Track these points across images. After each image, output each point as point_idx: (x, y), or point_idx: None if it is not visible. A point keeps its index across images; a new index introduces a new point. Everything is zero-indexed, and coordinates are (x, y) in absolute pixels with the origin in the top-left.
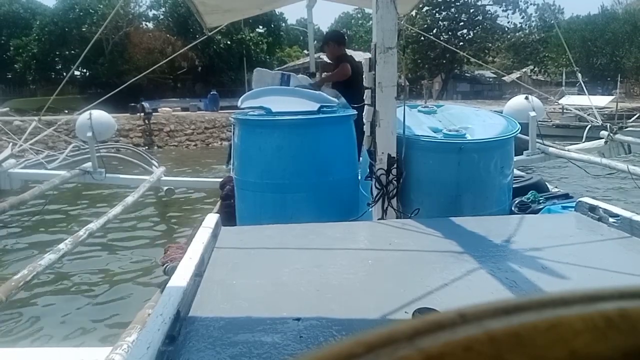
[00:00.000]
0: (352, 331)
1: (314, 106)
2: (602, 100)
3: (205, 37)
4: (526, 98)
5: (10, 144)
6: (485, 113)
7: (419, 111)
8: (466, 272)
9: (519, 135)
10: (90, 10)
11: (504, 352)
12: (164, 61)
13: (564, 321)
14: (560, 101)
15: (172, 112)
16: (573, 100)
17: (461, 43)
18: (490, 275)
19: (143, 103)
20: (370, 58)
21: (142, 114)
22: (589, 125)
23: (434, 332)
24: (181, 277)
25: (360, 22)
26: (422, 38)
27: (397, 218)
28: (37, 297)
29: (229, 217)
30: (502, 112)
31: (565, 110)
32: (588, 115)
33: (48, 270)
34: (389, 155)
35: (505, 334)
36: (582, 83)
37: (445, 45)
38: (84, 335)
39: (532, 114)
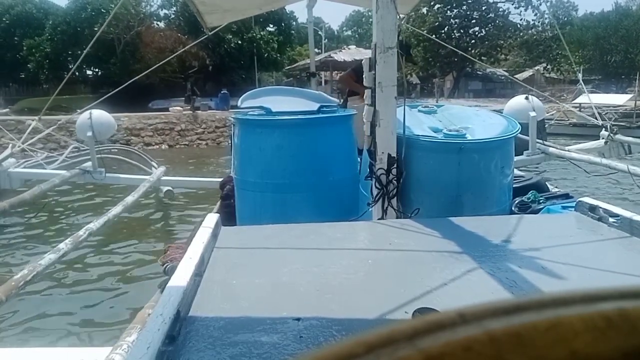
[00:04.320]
0: (352, 331)
1: (314, 106)
2: (619, 99)
3: (206, 36)
4: (526, 98)
5: (10, 144)
6: (485, 113)
7: (419, 111)
8: (466, 272)
9: (519, 135)
10: (102, 10)
11: (504, 352)
12: (170, 57)
13: (564, 321)
14: (576, 100)
15: (182, 111)
16: (590, 99)
17: (473, 41)
18: (490, 275)
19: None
20: (370, 58)
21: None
22: (607, 124)
23: (434, 332)
24: (181, 277)
25: (371, 20)
26: (434, 35)
27: (397, 218)
28: (37, 297)
29: (229, 217)
30: (502, 112)
31: (581, 109)
32: (590, 115)
33: (48, 270)
34: (389, 155)
35: (505, 334)
36: (581, 82)
37: (447, 46)
38: (84, 335)
39: (532, 114)
